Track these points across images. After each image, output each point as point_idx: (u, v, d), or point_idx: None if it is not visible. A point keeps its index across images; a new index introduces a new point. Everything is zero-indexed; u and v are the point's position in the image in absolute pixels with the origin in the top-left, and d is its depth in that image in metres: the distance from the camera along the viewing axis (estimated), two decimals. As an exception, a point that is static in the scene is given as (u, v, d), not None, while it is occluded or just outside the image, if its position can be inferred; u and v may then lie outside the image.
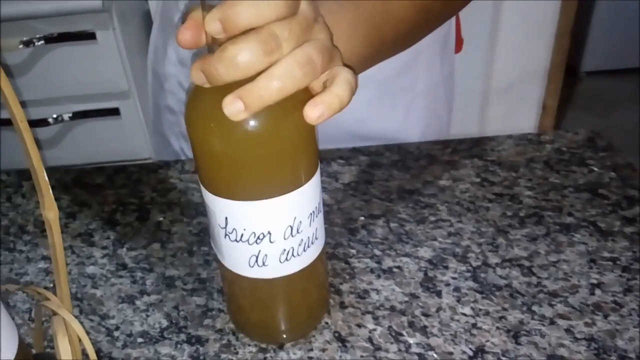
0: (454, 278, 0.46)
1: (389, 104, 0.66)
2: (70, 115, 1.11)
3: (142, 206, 0.57)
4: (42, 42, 1.03)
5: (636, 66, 2.25)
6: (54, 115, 1.10)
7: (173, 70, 0.68)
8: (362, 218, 0.53)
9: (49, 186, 0.31)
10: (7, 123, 1.03)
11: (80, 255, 0.51)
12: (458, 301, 0.44)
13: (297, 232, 0.36)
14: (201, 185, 0.36)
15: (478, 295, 0.44)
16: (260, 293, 0.39)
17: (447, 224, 0.51)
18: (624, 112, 2.14)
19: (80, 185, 0.61)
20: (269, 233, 0.35)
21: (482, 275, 0.46)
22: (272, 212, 0.34)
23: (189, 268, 0.49)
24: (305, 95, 0.34)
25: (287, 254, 0.36)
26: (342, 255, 0.49)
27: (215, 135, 0.32)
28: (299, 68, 0.30)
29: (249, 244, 0.35)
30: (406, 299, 0.44)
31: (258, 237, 0.35)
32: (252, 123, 0.31)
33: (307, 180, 0.35)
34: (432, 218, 0.52)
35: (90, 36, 1.05)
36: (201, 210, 0.56)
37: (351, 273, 0.47)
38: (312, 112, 0.31)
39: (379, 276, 0.46)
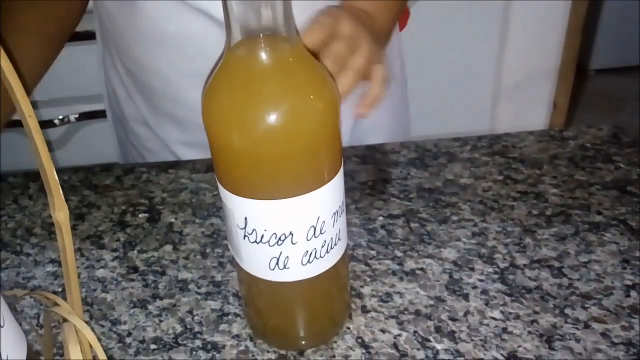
0: (480, 280, 0.44)
1: None
2: (77, 116, 1.09)
3: (152, 207, 0.55)
4: (47, 42, 1.01)
5: (646, 63, 2.23)
6: (60, 116, 1.09)
7: (126, 108, 0.68)
8: (381, 218, 0.51)
9: (59, 186, 0.29)
10: (8, 124, 1.01)
11: (89, 258, 0.50)
12: (486, 304, 0.41)
13: (320, 233, 0.34)
14: (219, 184, 0.34)
15: (507, 298, 0.42)
16: (280, 297, 0.37)
17: (470, 224, 0.49)
18: (633, 109, 2.12)
19: (88, 186, 0.59)
20: (290, 234, 0.33)
21: (511, 277, 0.44)
22: (294, 211, 0.32)
23: (203, 271, 0.47)
24: (328, 89, 0.32)
25: (310, 255, 0.34)
26: (361, 257, 0.47)
27: (234, 131, 0.30)
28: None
29: (269, 245, 0.33)
30: (431, 302, 0.42)
31: (279, 238, 0.33)
32: (274, 117, 0.30)
33: (330, 178, 0.33)
34: (455, 218, 0.50)
35: (95, 36, 1.03)
36: (213, 211, 0.54)
37: (372, 275, 0.45)
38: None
39: (401, 279, 0.44)
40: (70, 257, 0.32)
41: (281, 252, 0.34)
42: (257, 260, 0.35)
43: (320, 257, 0.35)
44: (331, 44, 0.43)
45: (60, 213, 0.30)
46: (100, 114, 1.10)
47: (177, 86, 0.59)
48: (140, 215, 0.54)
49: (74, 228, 0.53)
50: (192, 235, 0.51)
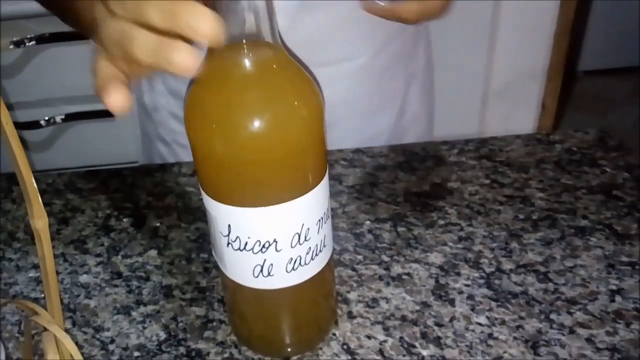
0: (467, 285, 0.44)
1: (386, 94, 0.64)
2: (63, 117, 1.08)
3: (137, 211, 0.54)
4: (33, 42, 1.00)
5: (634, 65, 2.24)
6: (46, 117, 1.08)
7: (162, 102, 0.65)
8: (368, 222, 0.51)
9: (38, 193, 0.29)
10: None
11: (73, 263, 0.49)
12: (472, 310, 0.41)
13: (305, 240, 0.33)
14: (202, 191, 0.33)
15: (493, 304, 0.42)
16: (265, 304, 0.37)
17: (457, 228, 0.49)
18: (622, 111, 2.13)
19: (72, 190, 0.58)
20: (274, 241, 0.33)
21: (497, 282, 0.44)
22: (278, 219, 0.32)
23: (188, 276, 0.47)
24: (313, 96, 0.32)
25: (294, 263, 0.34)
26: (348, 262, 0.47)
27: (217, 138, 0.30)
28: None
29: (253, 252, 0.33)
30: (417, 307, 0.42)
31: (263, 246, 0.33)
32: (257, 124, 0.29)
33: (315, 185, 0.33)
34: (442, 222, 0.50)
35: (82, 36, 1.02)
36: (199, 215, 0.53)
37: (358, 280, 0.45)
38: None
39: (388, 284, 0.44)
40: (50, 266, 0.31)
41: (265, 260, 0.33)
42: (240, 268, 0.34)
43: (305, 264, 0.34)
44: None
45: (40, 221, 0.30)
46: (86, 115, 1.09)
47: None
48: (124, 220, 0.53)
49: (57, 232, 0.52)
50: (177, 240, 0.50)
